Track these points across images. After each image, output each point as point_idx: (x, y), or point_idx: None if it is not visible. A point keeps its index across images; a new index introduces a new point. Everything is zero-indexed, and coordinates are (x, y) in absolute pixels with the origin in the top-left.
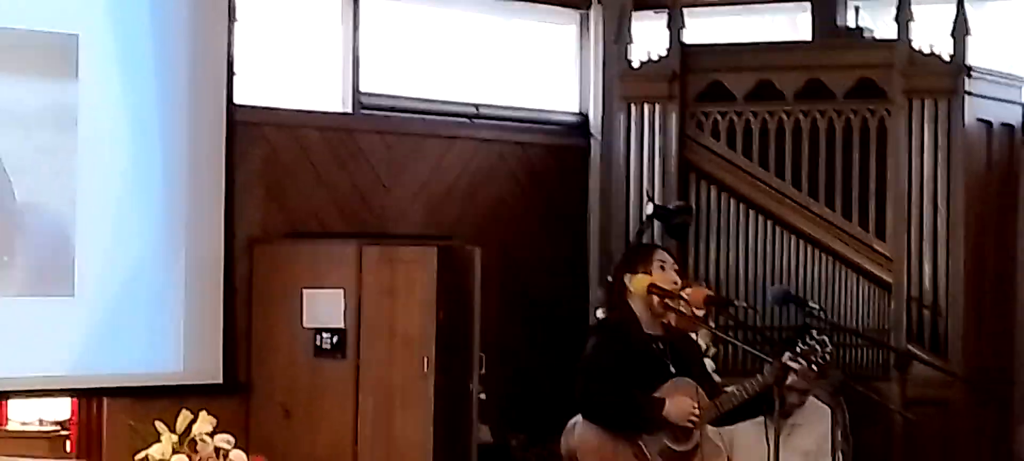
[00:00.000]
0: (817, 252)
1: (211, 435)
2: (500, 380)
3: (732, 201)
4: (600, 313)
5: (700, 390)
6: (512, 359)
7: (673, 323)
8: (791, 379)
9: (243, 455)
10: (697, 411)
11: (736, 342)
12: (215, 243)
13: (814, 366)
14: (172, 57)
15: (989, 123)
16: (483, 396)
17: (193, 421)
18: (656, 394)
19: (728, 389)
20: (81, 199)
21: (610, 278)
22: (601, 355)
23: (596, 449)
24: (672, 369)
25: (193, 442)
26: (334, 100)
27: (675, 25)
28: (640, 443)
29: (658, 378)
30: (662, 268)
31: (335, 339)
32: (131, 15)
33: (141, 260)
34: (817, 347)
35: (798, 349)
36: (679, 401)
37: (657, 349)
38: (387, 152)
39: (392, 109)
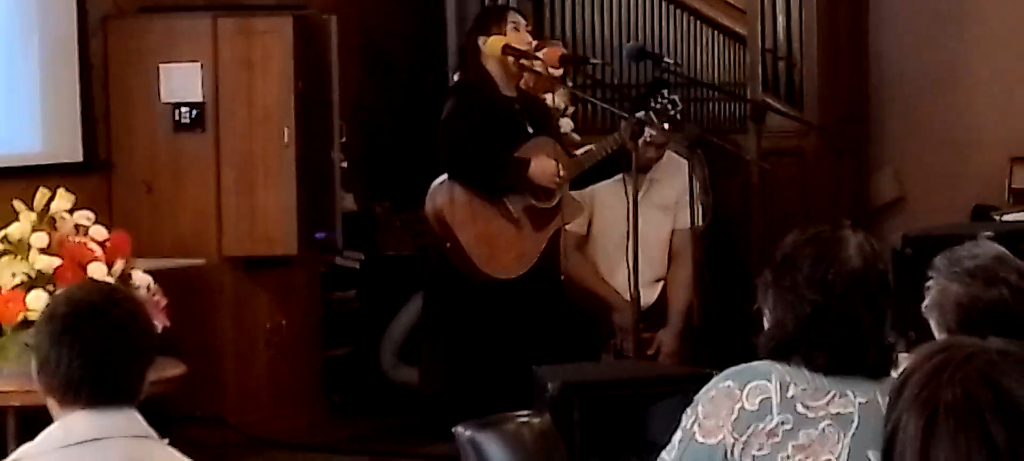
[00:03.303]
0: (672, 7)
1: (70, 212)
2: (362, 148)
3: None
4: (457, 76)
5: (560, 148)
6: (373, 126)
7: (530, 84)
8: (647, 134)
9: (103, 230)
10: (561, 172)
11: (593, 100)
12: (68, 20)
13: (667, 122)
14: None
15: None
16: (345, 164)
17: (51, 199)
18: (518, 153)
19: (586, 147)
20: None
21: (462, 42)
22: (461, 115)
23: (462, 207)
24: (530, 129)
25: (52, 220)
26: None
27: None
28: (505, 201)
29: (517, 137)
30: (516, 29)
31: (194, 113)
32: None
33: None
34: (669, 106)
35: (651, 105)
36: (543, 162)
37: (515, 110)
38: None
39: None
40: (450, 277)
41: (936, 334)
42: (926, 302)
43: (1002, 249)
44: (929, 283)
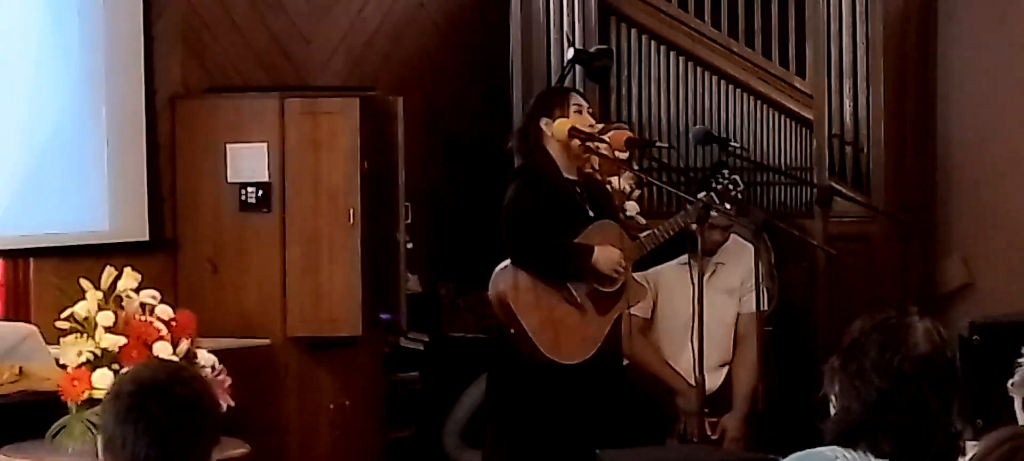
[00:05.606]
0: (738, 92)
1: (136, 291)
2: (427, 229)
3: (652, 43)
4: (519, 159)
5: (622, 231)
6: (439, 208)
7: (595, 167)
8: (713, 218)
9: (169, 309)
10: (624, 262)
11: (659, 183)
12: (136, 100)
13: (730, 204)
14: None
15: None
16: (410, 245)
17: (118, 278)
18: (580, 237)
19: (649, 231)
20: None
21: (524, 124)
22: (526, 202)
23: (526, 292)
24: (591, 213)
25: (118, 299)
26: None
27: None
28: (569, 286)
29: (578, 221)
30: (578, 111)
31: (260, 193)
32: None
33: (62, 120)
34: (730, 187)
35: (714, 187)
36: (607, 250)
37: (576, 193)
38: (306, 3)
39: None
40: (514, 360)
41: (1020, 412)
42: (1015, 379)
43: None
44: (1021, 359)
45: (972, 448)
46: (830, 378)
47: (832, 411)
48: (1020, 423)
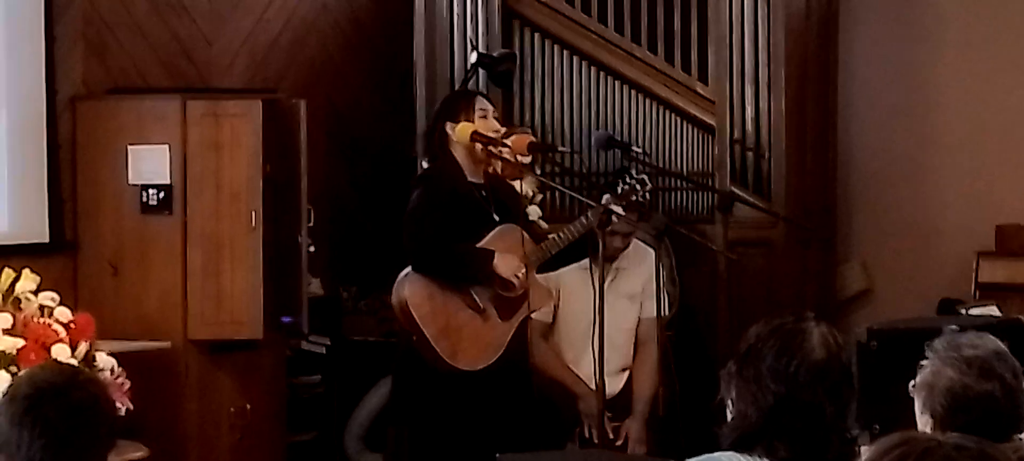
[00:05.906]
0: (641, 97)
1: (35, 293)
2: (330, 232)
3: (556, 48)
4: (425, 164)
5: (525, 235)
6: (342, 211)
7: (498, 171)
8: (614, 222)
9: (68, 312)
10: (525, 267)
11: (561, 188)
12: (37, 101)
13: (633, 206)
14: None
15: None
16: (312, 248)
17: (16, 279)
18: (483, 242)
19: (552, 235)
20: None
21: (430, 127)
22: (427, 206)
23: (427, 299)
24: (496, 217)
25: (17, 300)
26: None
27: None
28: (471, 292)
29: (483, 226)
30: (484, 116)
31: (161, 195)
32: None
33: None
34: (636, 187)
35: (618, 190)
36: (508, 258)
37: (481, 197)
38: (209, 4)
39: None
40: (417, 365)
41: (918, 414)
42: (917, 380)
43: (1003, 346)
44: (924, 362)
45: (866, 453)
46: (727, 383)
47: (729, 416)
48: (919, 427)
